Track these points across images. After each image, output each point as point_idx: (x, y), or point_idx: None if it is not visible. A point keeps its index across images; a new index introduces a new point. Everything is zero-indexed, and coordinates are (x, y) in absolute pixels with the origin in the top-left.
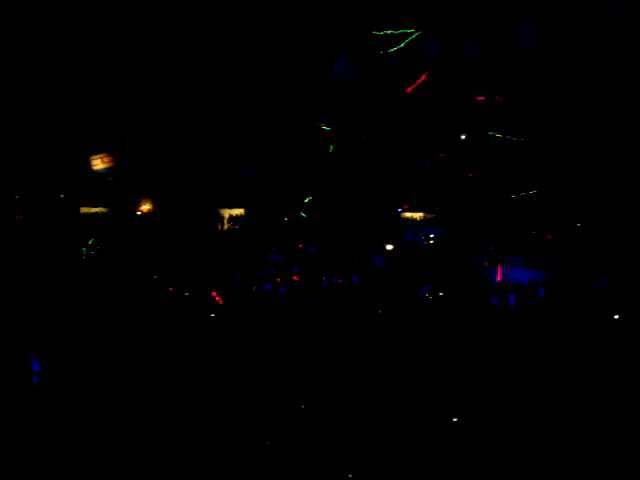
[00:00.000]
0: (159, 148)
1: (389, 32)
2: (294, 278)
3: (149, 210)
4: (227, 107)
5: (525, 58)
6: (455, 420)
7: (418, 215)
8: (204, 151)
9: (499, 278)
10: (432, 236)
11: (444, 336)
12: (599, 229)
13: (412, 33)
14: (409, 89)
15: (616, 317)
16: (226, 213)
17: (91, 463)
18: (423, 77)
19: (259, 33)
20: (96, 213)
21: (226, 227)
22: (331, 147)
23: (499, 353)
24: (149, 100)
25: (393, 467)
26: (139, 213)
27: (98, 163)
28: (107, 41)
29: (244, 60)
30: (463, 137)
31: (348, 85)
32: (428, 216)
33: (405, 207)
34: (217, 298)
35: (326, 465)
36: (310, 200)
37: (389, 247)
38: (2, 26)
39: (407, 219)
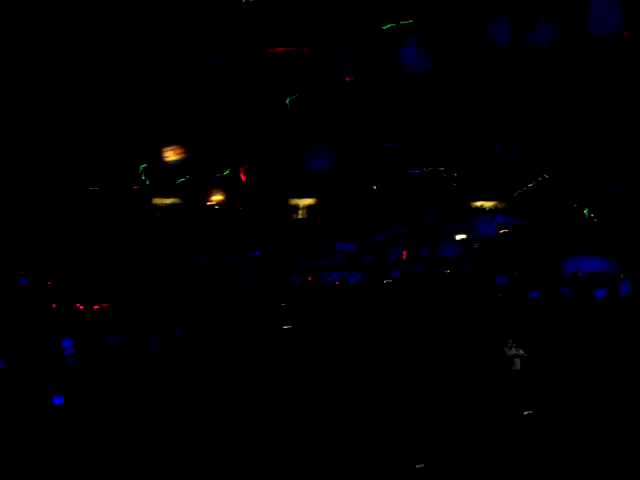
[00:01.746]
0: (230, 139)
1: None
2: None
3: (221, 200)
4: (296, 96)
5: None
6: (527, 414)
7: (489, 204)
8: (274, 141)
9: (573, 269)
10: (504, 225)
11: (516, 328)
12: None
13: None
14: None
15: None
16: (296, 202)
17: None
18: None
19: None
20: (169, 204)
21: (296, 216)
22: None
23: (575, 348)
24: (219, 91)
25: (465, 458)
26: (211, 203)
27: (170, 155)
28: (178, 36)
29: (315, 52)
30: (536, 122)
31: (416, 74)
32: (499, 205)
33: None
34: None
35: (396, 454)
36: (379, 188)
37: (459, 237)
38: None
39: (478, 208)
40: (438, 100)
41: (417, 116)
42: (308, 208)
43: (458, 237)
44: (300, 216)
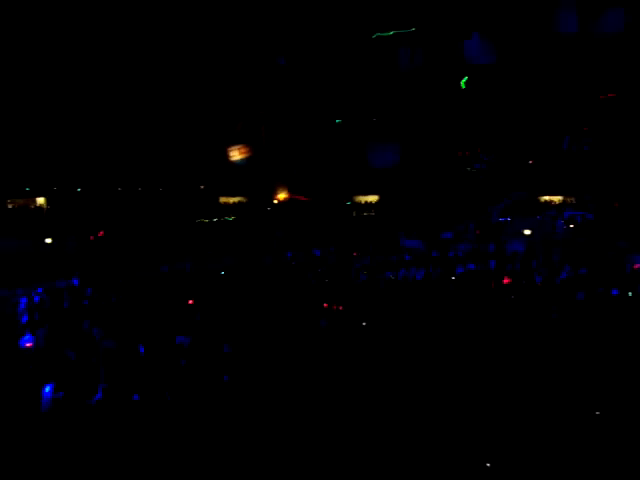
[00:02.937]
0: (294, 138)
1: None
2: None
3: (285, 199)
4: (359, 98)
5: None
6: (598, 413)
7: (557, 199)
8: (338, 139)
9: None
10: (572, 220)
11: (584, 322)
12: None
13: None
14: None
15: None
16: (360, 200)
17: None
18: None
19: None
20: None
21: (360, 214)
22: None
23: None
24: (284, 92)
25: (534, 458)
26: (276, 202)
27: (236, 154)
28: (246, 40)
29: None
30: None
31: (482, 68)
32: (567, 200)
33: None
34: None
35: (466, 453)
36: (443, 185)
37: (527, 232)
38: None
39: (546, 203)
40: (503, 93)
41: (482, 109)
42: (373, 205)
43: (526, 232)
44: (365, 213)
